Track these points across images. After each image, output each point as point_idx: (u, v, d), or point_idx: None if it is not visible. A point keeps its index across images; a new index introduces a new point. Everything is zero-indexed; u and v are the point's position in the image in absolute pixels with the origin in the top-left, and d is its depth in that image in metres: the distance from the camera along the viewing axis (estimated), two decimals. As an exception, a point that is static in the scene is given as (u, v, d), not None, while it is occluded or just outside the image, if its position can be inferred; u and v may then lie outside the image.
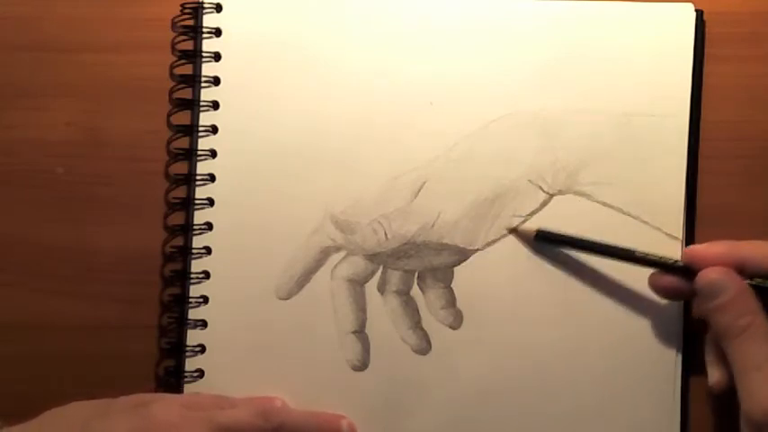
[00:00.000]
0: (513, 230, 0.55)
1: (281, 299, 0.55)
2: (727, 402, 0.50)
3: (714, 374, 0.51)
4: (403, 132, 0.56)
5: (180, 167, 0.56)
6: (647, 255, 0.52)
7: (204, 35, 0.56)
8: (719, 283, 0.49)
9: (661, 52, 0.55)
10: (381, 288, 0.56)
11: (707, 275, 0.49)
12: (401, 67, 0.56)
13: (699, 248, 0.51)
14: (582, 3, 0.56)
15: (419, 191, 0.55)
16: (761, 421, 0.46)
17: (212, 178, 0.56)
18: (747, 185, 0.55)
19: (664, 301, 0.54)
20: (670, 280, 0.52)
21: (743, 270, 0.50)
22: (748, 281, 0.49)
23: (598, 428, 0.54)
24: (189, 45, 0.57)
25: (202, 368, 0.56)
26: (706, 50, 0.55)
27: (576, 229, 0.54)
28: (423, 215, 0.55)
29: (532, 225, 0.54)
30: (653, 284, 0.52)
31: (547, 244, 0.54)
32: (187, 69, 0.57)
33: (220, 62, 0.56)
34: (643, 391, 0.54)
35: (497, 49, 0.56)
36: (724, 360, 0.50)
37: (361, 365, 0.55)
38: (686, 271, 0.51)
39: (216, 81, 0.56)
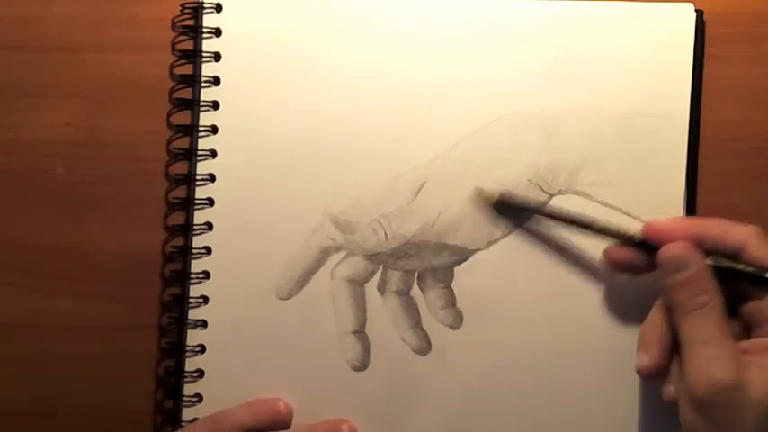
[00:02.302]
0: (479, 192, 0.54)
1: (281, 299, 0.55)
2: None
3: (642, 359, 0.50)
4: (403, 132, 0.56)
5: (180, 167, 0.56)
6: (607, 226, 0.52)
7: (204, 35, 0.56)
8: (683, 258, 0.49)
9: (661, 52, 0.55)
10: (381, 288, 0.56)
11: (671, 250, 0.49)
12: (401, 67, 0.56)
13: (659, 223, 0.51)
14: (582, 3, 0.56)
15: (419, 191, 0.55)
16: (704, 396, 0.46)
17: (212, 178, 0.56)
18: (747, 185, 0.55)
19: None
20: (625, 253, 0.52)
21: (700, 247, 0.49)
22: (706, 261, 0.49)
23: (598, 428, 0.54)
24: (189, 45, 0.57)
25: (202, 368, 0.56)
26: (706, 50, 0.55)
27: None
28: (423, 215, 0.55)
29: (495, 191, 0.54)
30: (608, 257, 0.52)
31: (508, 210, 0.54)
32: (187, 69, 0.57)
33: (220, 62, 0.56)
34: (643, 391, 0.54)
35: (497, 49, 0.56)
36: (660, 343, 0.50)
37: (361, 365, 0.55)
38: (644, 246, 0.51)
39: (216, 81, 0.56)
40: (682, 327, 0.48)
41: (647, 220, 0.52)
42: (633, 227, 0.52)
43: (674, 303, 0.49)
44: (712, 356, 0.47)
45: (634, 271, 0.52)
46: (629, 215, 0.54)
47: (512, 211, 0.54)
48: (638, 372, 0.51)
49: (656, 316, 0.51)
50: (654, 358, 0.50)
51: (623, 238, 0.52)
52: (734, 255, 0.49)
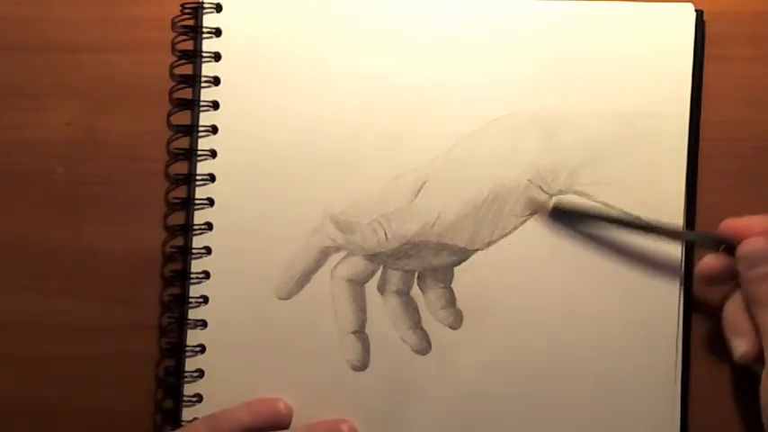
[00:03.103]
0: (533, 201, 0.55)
1: (281, 299, 0.55)
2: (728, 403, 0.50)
3: (741, 345, 0.51)
4: (403, 132, 0.56)
5: (180, 167, 0.56)
6: (667, 227, 0.53)
7: (204, 35, 0.56)
8: (763, 251, 0.50)
9: (661, 52, 0.55)
10: (381, 288, 0.56)
11: (750, 244, 0.50)
12: (401, 67, 0.56)
13: (736, 220, 0.52)
14: (582, 3, 0.56)
15: (419, 191, 0.55)
16: None
17: (212, 178, 0.56)
18: (747, 185, 0.55)
19: (662, 303, 0.54)
20: (717, 262, 0.52)
21: None
22: None
23: (598, 429, 0.54)
24: (189, 45, 0.57)
25: (202, 368, 0.56)
26: (706, 50, 0.55)
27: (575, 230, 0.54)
28: (423, 215, 0.55)
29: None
30: (701, 271, 0.52)
31: (564, 216, 0.54)
32: (187, 69, 0.57)
33: (220, 62, 0.56)
34: (643, 391, 0.54)
35: (497, 49, 0.56)
36: (749, 331, 0.50)
37: (361, 365, 0.55)
38: (720, 245, 0.51)
39: (216, 81, 0.56)
40: (765, 318, 0.49)
41: (724, 220, 0.52)
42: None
43: (754, 297, 0.50)
44: None
45: (726, 280, 0.52)
46: (630, 215, 0.54)
47: (568, 218, 0.54)
48: (739, 359, 0.51)
49: (737, 302, 0.51)
50: (751, 344, 0.50)
51: (702, 237, 0.52)
52: None
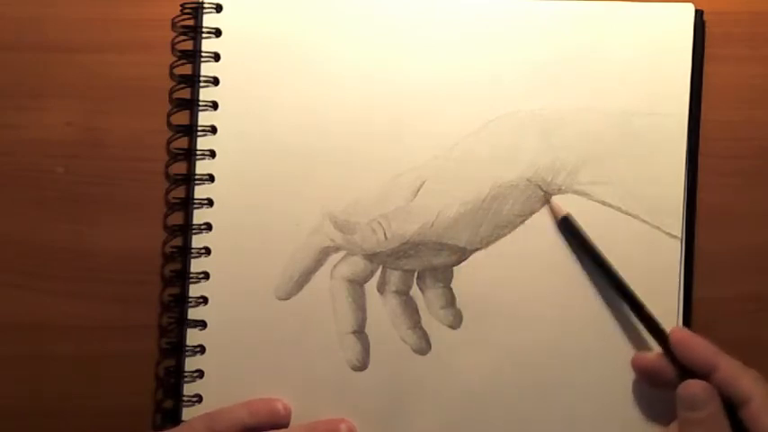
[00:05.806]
0: (548, 201, 0.54)
1: (280, 299, 0.55)
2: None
3: None
4: (402, 132, 0.56)
5: (179, 167, 0.56)
6: (643, 307, 0.53)
7: (204, 35, 0.56)
8: (700, 398, 0.50)
9: (661, 52, 0.55)
10: (381, 288, 0.56)
11: (691, 387, 0.50)
12: (401, 66, 0.56)
13: (685, 332, 0.52)
14: (582, 3, 0.56)
15: (418, 190, 0.55)
16: None
17: (211, 178, 0.56)
18: (747, 185, 0.55)
19: (662, 303, 0.54)
20: (650, 362, 0.53)
21: (710, 375, 0.50)
22: None
23: (597, 428, 0.54)
24: (189, 45, 0.57)
25: (202, 368, 0.56)
26: (706, 50, 0.55)
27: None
28: (422, 215, 0.55)
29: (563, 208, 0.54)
30: (635, 365, 0.54)
31: (568, 230, 0.54)
32: (187, 69, 0.57)
33: (220, 62, 0.56)
34: (642, 392, 0.54)
35: (497, 49, 0.56)
36: None
37: (361, 365, 0.55)
38: (663, 342, 0.52)
39: (215, 81, 0.56)
40: None
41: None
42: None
43: None
44: None
45: (655, 384, 0.53)
46: (629, 214, 0.54)
47: (569, 234, 0.54)
48: None
49: None
50: None
51: (648, 321, 0.53)
52: (737, 403, 0.49)
